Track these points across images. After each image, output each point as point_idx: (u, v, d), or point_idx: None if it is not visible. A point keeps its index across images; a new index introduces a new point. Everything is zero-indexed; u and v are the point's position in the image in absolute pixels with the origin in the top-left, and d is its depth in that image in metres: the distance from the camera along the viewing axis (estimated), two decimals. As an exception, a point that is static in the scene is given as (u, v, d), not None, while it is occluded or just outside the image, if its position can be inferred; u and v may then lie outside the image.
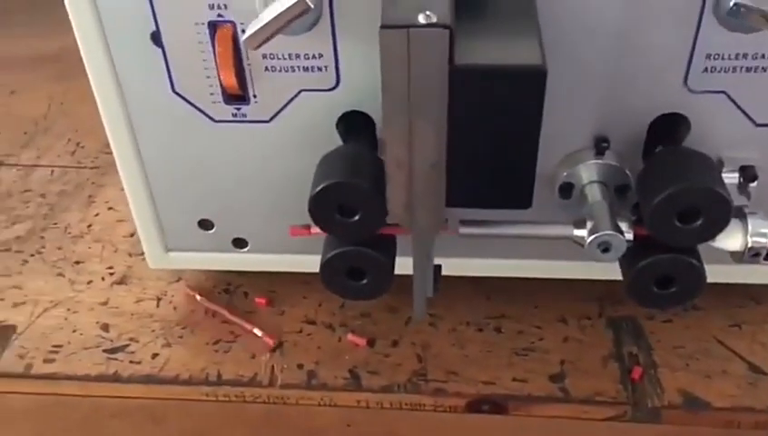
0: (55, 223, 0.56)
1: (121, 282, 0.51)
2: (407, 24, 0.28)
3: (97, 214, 0.57)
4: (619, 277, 0.38)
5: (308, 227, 0.38)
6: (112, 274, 0.52)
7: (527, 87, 0.29)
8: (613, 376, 0.44)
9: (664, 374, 0.44)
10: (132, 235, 0.54)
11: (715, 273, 0.43)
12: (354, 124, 0.39)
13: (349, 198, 0.36)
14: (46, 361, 0.46)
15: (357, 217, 0.36)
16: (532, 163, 0.31)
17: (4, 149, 0.64)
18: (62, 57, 0.72)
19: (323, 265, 0.39)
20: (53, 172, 0.61)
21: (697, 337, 0.45)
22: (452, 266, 0.45)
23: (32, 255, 0.53)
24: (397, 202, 0.33)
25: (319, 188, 0.36)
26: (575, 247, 0.38)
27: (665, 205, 0.35)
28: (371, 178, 0.35)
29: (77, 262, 0.53)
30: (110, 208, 0.57)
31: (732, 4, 0.32)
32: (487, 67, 0.29)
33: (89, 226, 0.56)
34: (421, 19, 0.28)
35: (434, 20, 0.28)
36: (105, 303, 0.50)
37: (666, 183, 0.35)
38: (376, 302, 0.47)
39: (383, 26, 0.28)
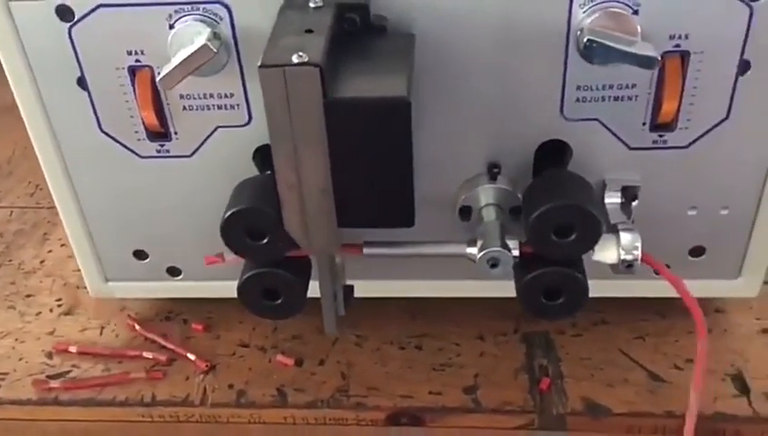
0: (10, 260, 0.59)
1: (68, 312, 0.54)
2: (282, 63, 0.32)
3: (50, 251, 0.60)
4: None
5: (220, 256, 0.42)
6: (60, 306, 0.55)
7: (393, 117, 0.33)
8: (522, 387, 0.46)
9: (569, 384, 0.46)
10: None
11: (620, 288, 0.47)
12: (269, 156, 0.43)
13: (256, 223, 0.39)
14: (-9, 387, 0.49)
15: (265, 240, 0.39)
16: (409, 184, 0.35)
17: (-33, 192, 0.67)
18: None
19: (239, 287, 0.42)
20: (11, 212, 0.64)
21: (603, 349, 0.48)
22: (379, 287, 0.48)
23: (-15, 290, 0.56)
24: (292, 223, 0.37)
25: (227, 214, 0.39)
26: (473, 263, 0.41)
27: (542, 221, 0.38)
28: (277, 203, 0.38)
29: (28, 296, 0.56)
30: (63, 245, 0.60)
31: (585, 40, 0.36)
32: (355, 100, 0.32)
33: (42, 262, 0.59)
34: (295, 59, 0.32)
35: (306, 59, 0.32)
36: (52, 333, 0.52)
37: (542, 201, 0.38)
38: (307, 324, 0.50)
39: (262, 66, 0.32)
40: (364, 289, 0.45)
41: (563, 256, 0.39)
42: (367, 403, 0.46)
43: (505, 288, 0.47)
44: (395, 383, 0.47)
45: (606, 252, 0.40)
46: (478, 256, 0.40)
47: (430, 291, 0.50)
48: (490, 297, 0.49)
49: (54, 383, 0.48)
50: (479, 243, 0.40)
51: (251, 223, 0.39)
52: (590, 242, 0.38)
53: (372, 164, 0.34)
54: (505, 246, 0.40)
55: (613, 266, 0.40)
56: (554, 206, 0.37)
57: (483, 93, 0.40)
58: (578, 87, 0.40)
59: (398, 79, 0.33)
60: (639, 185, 0.42)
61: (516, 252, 0.40)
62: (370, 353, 0.50)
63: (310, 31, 0.34)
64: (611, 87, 0.39)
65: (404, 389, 0.47)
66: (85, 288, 0.54)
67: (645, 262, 0.40)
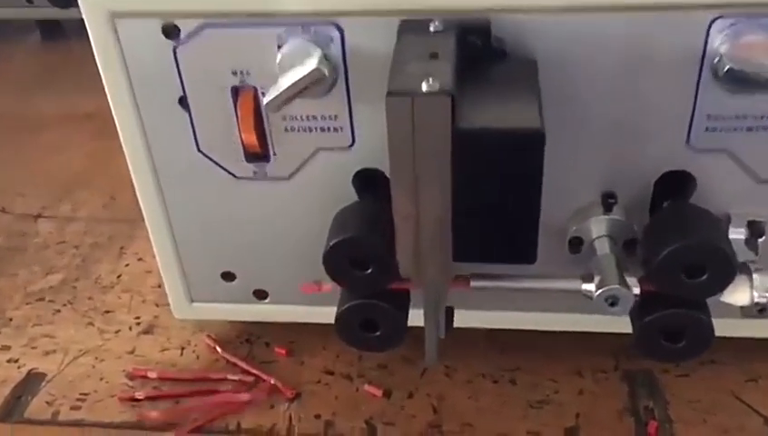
0: (87, 274, 0.58)
1: (147, 331, 0.53)
2: (411, 91, 0.30)
3: (127, 265, 0.59)
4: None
5: (319, 284, 0.40)
6: (138, 324, 0.54)
7: (526, 149, 0.30)
8: (628, 430, 0.44)
9: (679, 429, 0.43)
10: (159, 286, 0.56)
11: (731, 327, 0.44)
12: (369, 181, 0.41)
13: (362, 252, 0.37)
14: (73, 408, 0.47)
15: (369, 271, 0.38)
16: (535, 220, 0.33)
17: (44, 202, 0.67)
18: (101, 114, 0.75)
19: (338, 317, 0.40)
20: (87, 224, 0.64)
21: (713, 391, 0.45)
22: (466, 318, 0.46)
23: (64, 305, 0.56)
24: (405, 255, 0.35)
25: (332, 243, 0.37)
26: (586, 300, 0.38)
27: (670, 260, 0.35)
28: (383, 233, 0.36)
29: (107, 312, 0.55)
30: (139, 259, 0.59)
31: (726, 69, 0.34)
32: (487, 130, 0.30)
33: (119, 277, 0.58)
34: (424, 87, 0.30)
35: (436, 88, 0.30)
36: (132, 352, 0.51)
37: (672, 239, 0.36)
38: (392, 353, 0.48)
39: (389, 93, 0.30)
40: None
41: (691, 297, 0.36)
42: (461, 441, 0.44)
43: (602, 323, 0.45)
44: (489, 419, 0.45)
45: (738, 294, 0.37)
46: (596, 294, 0.37)
47: (523, 323, 0.47)
48: (587, 332, 0.46)
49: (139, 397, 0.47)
50: (597, 279, 0.38)
51: (356, 253, 0.37)
52: (723, 283, 0.36)
53: (499, 197, 0.32)
54: (624, 283, 0.37)
55: (743, 309, 0.37)
56: (687, 244, 0.35)
57: (604, 118, 0.38)
58: (709, 116, 0.37)
59: (530, 109, 0.31)
60: (766, 221, 0.40)
61: (636, 290, 0.37)
62: (462, 386, 0.47)
63: (435, 56, 0.32)
64: (744, 117, 0.37)
65: (500, 426, 0.45)
66: (164, 305, 0.53)
67: (777, 304, 0.37)
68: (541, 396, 0.46)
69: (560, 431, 0.44)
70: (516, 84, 0.33)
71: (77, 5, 0.38)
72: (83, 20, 0.38)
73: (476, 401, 0.46)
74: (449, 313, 0.40)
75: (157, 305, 0.55)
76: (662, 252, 0.35)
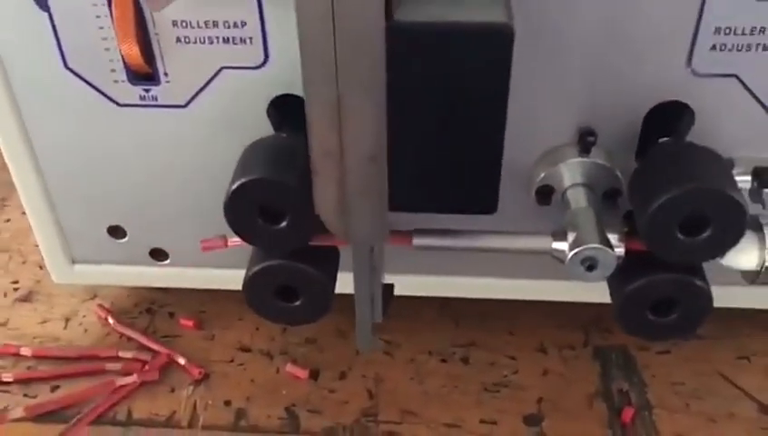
0: (-41, 230, 0.49)
1: (25, 299, 0.44)
2: (329, -35, 0.21)
3: (8, 220, 0.49)
4: (609, 299, 0.32)
5: (224, 238, 0.31)
6: (16, 290, 0.44)
7: (489, 52, 0.22)
8: (599, 418, 0.37)
9: (660, 416, 0.37)
10: (45, 244, 0.46)
11: (720, 297, 0.36)
12: (288, 110, 0.32)
13: (274, 198, 0.29)
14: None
15: (284, 223, 0.29)
16: (497, 154, 0.24)
17: None
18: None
19: (246, 282, 0.32)
20: (-36, 172, 0.54)
21: (699, 372, 0.39)
22: (413, 285, 0.38)
23: (-75, 267, 0.46)
24: (326, 204, 0.26)
25: (235, 185, 0.28)
26: (556, 264, 0.31)
27: (665, 212, 0.28)
28: (303, 174, 0.28)
29: (-22, 275, 0.45)
30: (23, 213, 0.50)
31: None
32: (434, 25, 0.22)
33: (-3, 234, 0.48)
34: (348, -41, 0.21)
35: (364, -40, 0.21)
36: (5, 324, 0.42)
37: (666, 186, 0.28)
38: (324, 324, 0.40)
39: (299, -31, 0.21)
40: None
41: (689, 260, 0.29)
42: (402, 433, 0.36)
43: (572, 290, 0.38)
44: (436, 407, 0.38)
45: (743, 256, 0.29)
46: (570, 255, 0.29)
47: (475, 291, 0.39)
48: (552, 301, 0.39)
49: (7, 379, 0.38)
50: (571, 237, 0.30)
51: (267, 200, 0.29)
52: (729, 241, 0.28)
53: (452, 122, 0.24)
54: (605, 242, 0.29)
55: (747, 274, 0.30)
56: (685, 191, 0.27)
57: (584, 31, 0.29)
58: (717, 30, 0.29)
59: (493, 1, 0.23)
60: (777, 167, 0.32)
61: (619, 251, 0.30)
62: (404, 366, 0.40)
63: (366, -76, 0.23)
64: (762, 31, 0.29)
65: (448, 415, 0.37)
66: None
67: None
68: (498, 377, 0.39)
69: (519, 420, 0.37)
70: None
71: None
72: None
73: (420, 383, 0.39)
74: (388, 291, 0.32)
75: (41, 268, 0.45)
76: (654, 202, 0.28)
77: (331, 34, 0.22)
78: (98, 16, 0.31)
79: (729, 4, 0.28)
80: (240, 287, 0.34)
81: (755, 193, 0.33)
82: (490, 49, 0.22)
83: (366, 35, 0.22)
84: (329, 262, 0.32)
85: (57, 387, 0.39)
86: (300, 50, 0.23)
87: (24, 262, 0.46)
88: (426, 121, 0.24)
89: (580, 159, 0.32)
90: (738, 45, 0.29)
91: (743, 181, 0.32)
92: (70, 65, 0.32)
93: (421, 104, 0.23)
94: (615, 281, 0.31)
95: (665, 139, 0.31)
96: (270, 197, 0.29)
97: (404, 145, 0.24)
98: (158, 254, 0.39)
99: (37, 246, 0.46)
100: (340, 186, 0.26)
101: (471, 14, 0.22)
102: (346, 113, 0.24)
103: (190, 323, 0.42)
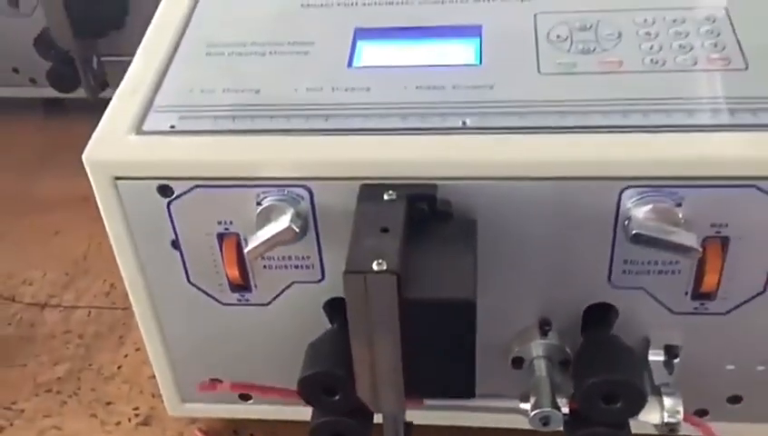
0: (90, 364, 0.64)
1: (145, 423, 0.59)
2: (364, 270, 0.36)
3: (126, 356, 0.65)
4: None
5: (214, 384, 0.47)
6: (137, 415, 0.59)
7: (460, 315, 0.37)
8: None
9: None
10: (155, 377, 0.61)
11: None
12: (337, 308, 0.47)
13: (330, 383, 0.43)
14: (79, 499, 0.53)
15: (337, 397, 0.44)
16: (471, 367, 0.39)
17: (49, 290, 0.73)
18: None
19: (311, 431, 0.46)
20: (90, 313, 0.70)
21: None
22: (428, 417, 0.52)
23: (70, 396, 0.61)
24: (364, 390, 0.41)
25: (305, 374, 0.43)
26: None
27: (591, 391, 0.42)
28: (349, 367, 0.42)
29: (108, 403, 0.61)
30: (137, 349, 0.65)
31: (633, 232, 0.40)
32: (426, 300, 0.37)
33: (119, 367, 0.64)
34: (375, 266, 0.36)
35: (385, 267, 0.36)
36: (132, 443, 0.57)
37: (592, 372, 0.42)
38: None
39: (347, 272, 0.36)
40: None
41: (609, 419, 0.43)
42: None
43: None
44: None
45: (651, 415, 0.43)
46: (531, 414, 0.43)
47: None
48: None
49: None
50: (532, 400, 0.44)
51: (325, 383, 0.43)
52: (635, 410, 0.42)
53: (441, 350, 0.38)
54: (555, 405, 0.43)
55: (656, 426, 0.44)
56: (603, 380, 0.41)
57: (537, 262, 0.44)
58: (625, 261, 0.43)
59: (464, 278, 0.37)
60: (681, 345, 0.46)
61: (565, 410, 0.44)
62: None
63: (386, 230, 0.38)
64: (656, 263, 0.43)
65: None
66: (160, 396, 0.59)
67: (687, 421, 0.43)
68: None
69: None
70: (455, 247, 0.39)
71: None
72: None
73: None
74: (408, 429, 0.46)
75: (153, 396, 0.60)
76: (584, 383, 0.42)
77: (365, 304, 0.37)
78: (212, 254, 0.46)
79: (630, 248, 0.42)
80: (300, 418, 0.48)
81: (667, 363, 0.46)
82: (460, 312, 0.37)
83: (386, 305, 0.37)
84: (366, 413, 0.46)
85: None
86: (348, 310, 0.38)
87: (140, 392, 0.61)
88: (426, 349, 0.38)
89: (541, 340, 0.47)
90: (641, 271, 0.44)
91: (657, 354, 0.46)
92: (192, 280, 0.48)
93: (422, 341, 0.38)
94: (567, 428, 0.45)
95: (598, 327, 0.45)
96: (327, 382, 0.43)
97: (413, 362, 0.39)
98: (245, 396, 0.54)
99: (151, 378, 0.62)
100: (373, 382, 0.40)
101: (449, 291, 0.37)
102: (374, 344, 0.38)
103: (266, 442, 0.56)
